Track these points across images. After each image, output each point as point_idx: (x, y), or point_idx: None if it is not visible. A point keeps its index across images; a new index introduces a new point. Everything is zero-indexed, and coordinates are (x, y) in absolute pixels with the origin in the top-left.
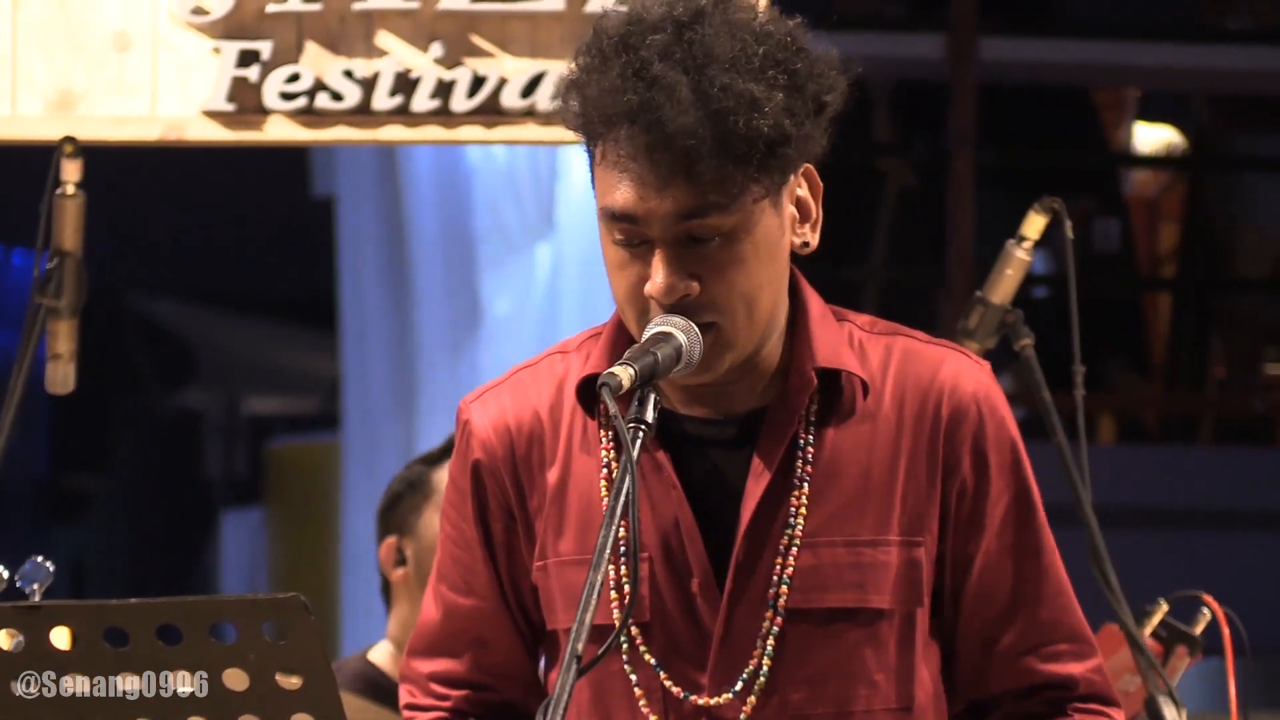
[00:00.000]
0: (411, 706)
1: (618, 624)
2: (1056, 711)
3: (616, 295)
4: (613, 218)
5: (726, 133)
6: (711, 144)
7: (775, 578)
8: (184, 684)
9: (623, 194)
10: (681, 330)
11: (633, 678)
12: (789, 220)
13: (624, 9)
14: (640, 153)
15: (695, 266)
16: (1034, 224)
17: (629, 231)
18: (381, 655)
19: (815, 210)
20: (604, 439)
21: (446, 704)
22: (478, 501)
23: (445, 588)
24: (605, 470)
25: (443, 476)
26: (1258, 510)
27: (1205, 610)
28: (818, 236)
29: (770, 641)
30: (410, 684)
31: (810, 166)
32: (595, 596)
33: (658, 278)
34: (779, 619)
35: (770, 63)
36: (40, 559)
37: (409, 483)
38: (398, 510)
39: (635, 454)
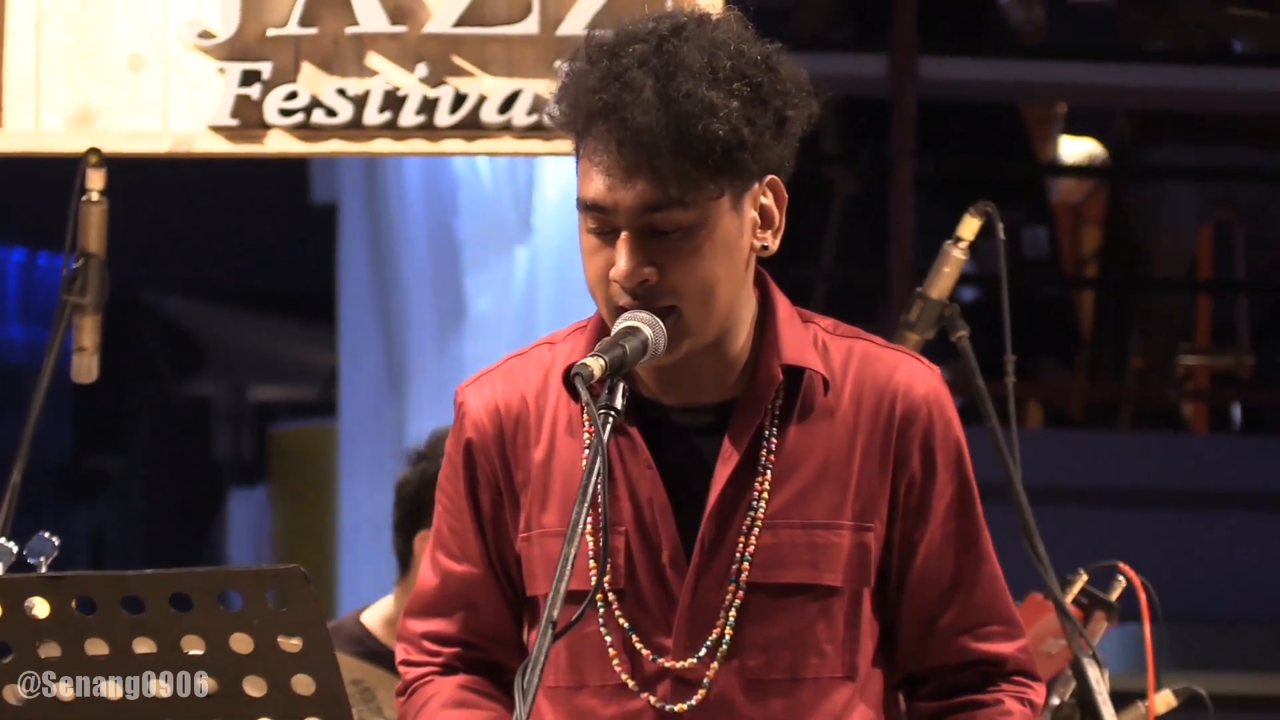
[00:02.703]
0: (406, 662)
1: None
2: (987, 683)
3: (588, 280)
4: (586, 207)
5: (685, 133)
6: (671, 142)
7: (738, 554)
8: (194, 646)
9: (594, 185)
10: (648, 325)
11: (607, 639)
12: (749, 224)
13: (610, 29)
14: (610, 147)
15: (656, 255)
16: (969, 226)
17: (600, 220)
18: (374, 619)
19: (778, 219)
20: (586, 423)
21: (438, 660)
22: (469, 477)
23: (441, 555)
24: (587, 451)
25: None
26: (1171, 489)
27: (1121, 579)
28: (778, 242)
29: (732, 612)
30: (405, 642)
31: (777, 179)
32: (569, 567)
33: (620, 262)
34: (740, 592)
35: (736, 75)
36: (46, 534)
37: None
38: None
39: (605, 437)
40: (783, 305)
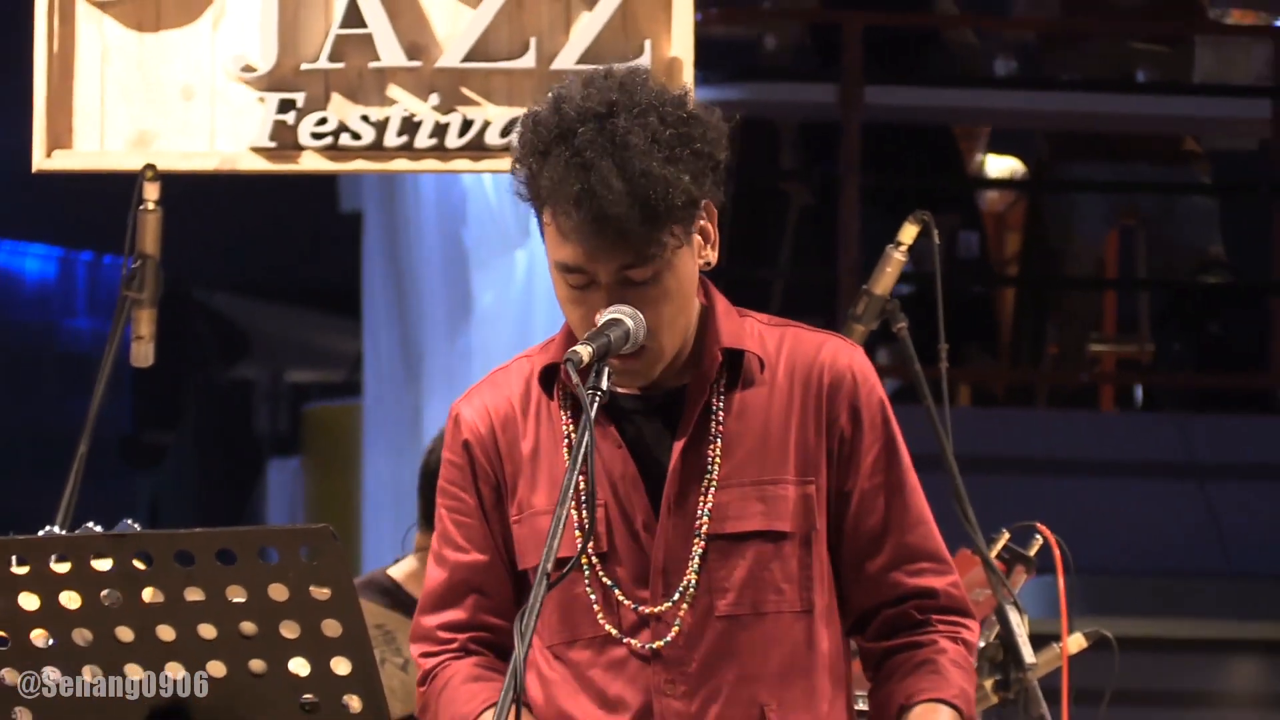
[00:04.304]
0: (425, 654)
1: (577, 557)
2: (923, 620)
3: (571, 323)
4: (566, 269)
5: (649, 209)
6: (638, 218)
7: (699, 512)
8: (237, 595)
9: (572, 253)
10: (629, 316)
11: (593, 597)
12: (697, 249)
13: (549, 100)
14: (586, 226)
15: (632, 299)
16: (908, 231)
17: (578, 279)
18: (400, 573)
19: (713, 233)
20: (564, 416)
21: (453, 645)
22: (471, 473)
23: (448, 550)
24: (566, 440)
25: None
26: (1082, 460)
27: (1038, 537)
28: (717, 254)
29: (696, 561)
30: (420, 640)
31: (709, 201)
32: (561, 526)
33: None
34: (702, 543)
35: (676, 141)
36: (129, 521)
37: None
38: None
39: (593, 414)
40: (720, 302)
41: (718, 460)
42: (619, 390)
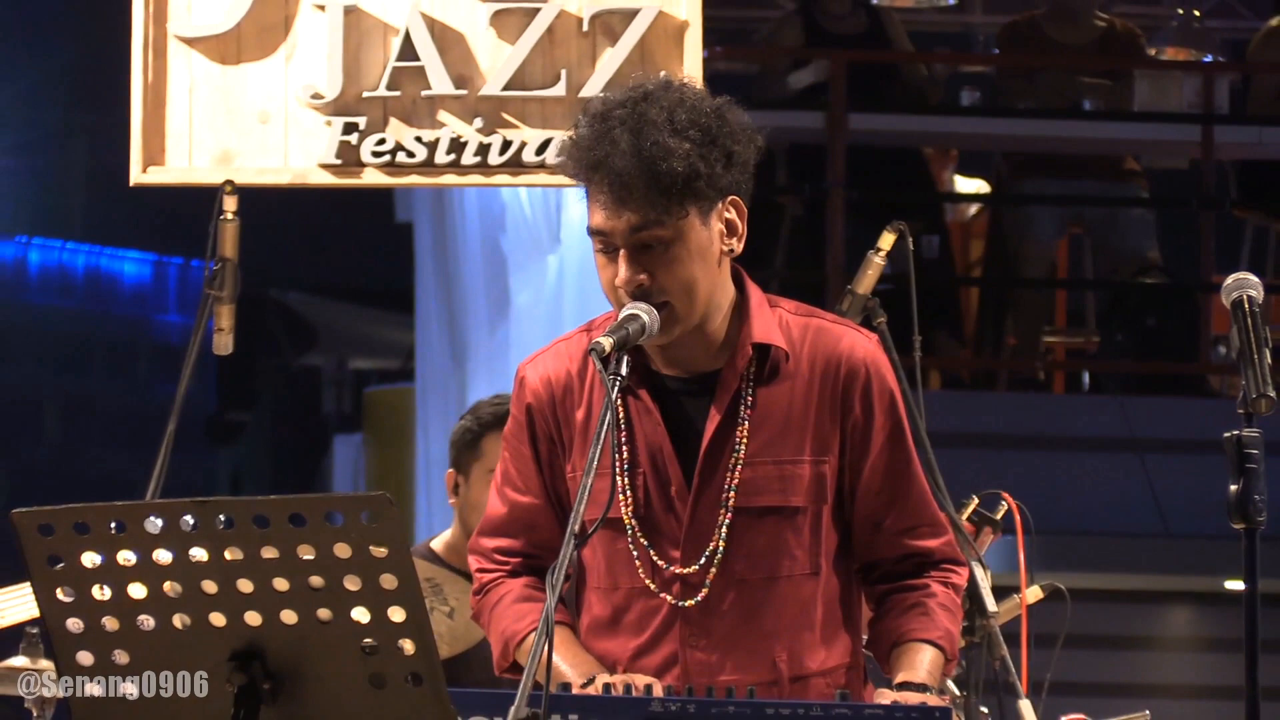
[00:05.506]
0: (481, 570)
1: (621, 517)
2: (920, 572)
3: (603, 287)
4: (592, 233)
5: (652, 172)
6: (643, 180)
7: (726, 486)
8: (307, 553)
9: (596, 217)
10: (645, 312)
11: (633, 553)
12: (717, 234)
13: (603, 95)
14: (603, 189)
15: (647, 265)
16: (886, 239)
17: (604, 242)
18: (439, 544)
19: (741, 228)
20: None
21: (506, 567)
22: (531, 431)
23: (509, 489)
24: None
25: (490, 443)
26: (1037, 436)
27: (1003, 503)
28: (742, 245)
29: (723, 529)
30: (478, 555)
31: (737, 198)
32: (586, 495)
33: (621, 272)
34: (729, 514)
35: (689, 124)
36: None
37: (470, 437)
38: (460, 452)
39: (614, 396)
40: (755, 294)
41: (745, 440)
42: (665, 372)
